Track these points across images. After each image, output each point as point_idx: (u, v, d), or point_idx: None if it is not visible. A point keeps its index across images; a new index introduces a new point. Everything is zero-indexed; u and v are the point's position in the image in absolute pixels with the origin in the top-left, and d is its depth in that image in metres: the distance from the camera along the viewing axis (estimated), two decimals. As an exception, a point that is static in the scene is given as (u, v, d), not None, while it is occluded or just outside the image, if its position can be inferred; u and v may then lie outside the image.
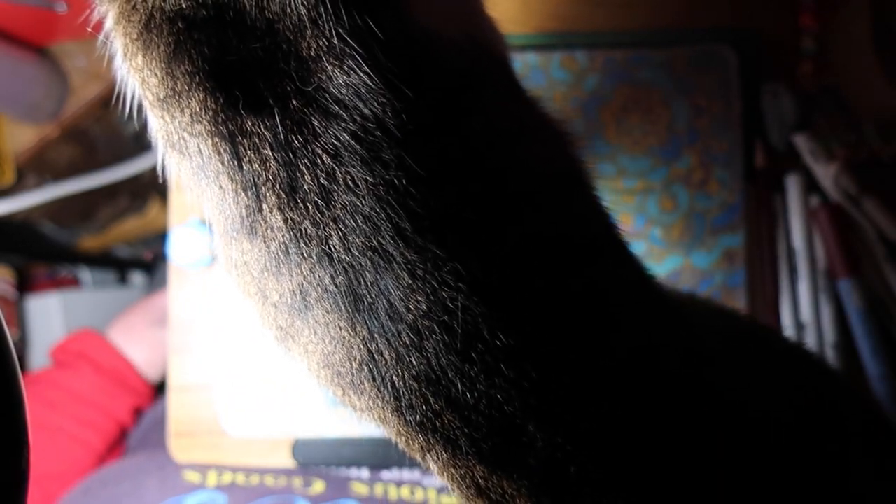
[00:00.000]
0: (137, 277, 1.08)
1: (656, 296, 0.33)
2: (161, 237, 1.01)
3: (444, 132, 0.27)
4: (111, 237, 1.03)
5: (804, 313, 0.56)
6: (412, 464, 0.58)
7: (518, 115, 0.31)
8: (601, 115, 0.58)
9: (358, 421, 0.31)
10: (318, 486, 0.58)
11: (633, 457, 0.28)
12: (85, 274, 1.03)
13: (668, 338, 0.31)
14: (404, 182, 0.26)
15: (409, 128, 0.26)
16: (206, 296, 0.61)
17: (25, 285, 0.95)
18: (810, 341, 0.56)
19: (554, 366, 0.27)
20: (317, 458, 0.58)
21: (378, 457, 0.57)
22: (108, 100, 0.78)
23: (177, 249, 0.58)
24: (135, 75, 0.29)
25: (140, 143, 0.87)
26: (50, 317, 0.91)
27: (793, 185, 0.57)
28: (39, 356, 0.91)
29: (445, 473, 0.29)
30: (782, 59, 0.58)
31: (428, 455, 0.29)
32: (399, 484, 0.58)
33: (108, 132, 0.84)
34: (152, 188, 0.97)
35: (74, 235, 1.00)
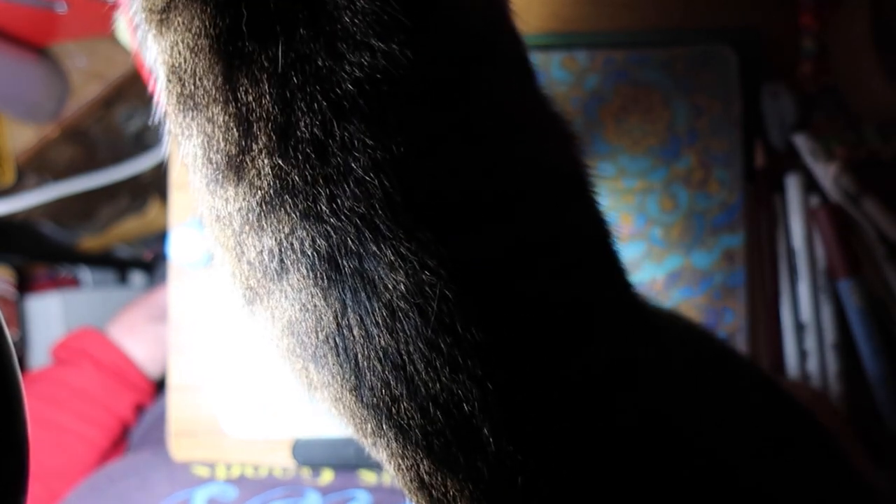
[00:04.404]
0: (137, 277, 1.08)
1: (637, 313, 0.32)
2: (161, 237, 1.02)
3: (449, 105, 0.25)
4: (111, 237, 1.03)
5: (804, 313, 0.56)
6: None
7: (526, 106, 0.29)
8: (601, 115, 0.58)
9: (308, 399, 0.29)
10: (328, 476, 0.58)
11: (588, 479, 0.27)
12: (85, 274, 1.03)
13: (642, 359, 0.30)
14: (402, 150, 0.24)
15: (418, 90, 0.24)
16: (205, 296, 0.61)
17: (25, 285, 0.95)
18: (810, 341, 0.56)
19: (521, 371, 0.26)
20: (317, 458, 0.58)
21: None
22: (108, 100, 0.78)
23: (177, 249, 0.58)
24: None
25: (140, 143, 0.87)
26: (50, 317, 0.91)
27: (793, 185, 0.57)
28: (39, 356, 0.91)
29: (392, 462, 0.28)
30: (782, 59, 0.58)
31: (377, 441, 0.28)
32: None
33: (108, 132, 0.84)
34: (152, 188, 0.97)
35: (74, 235, 1.00)
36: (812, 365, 0.56)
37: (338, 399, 0.27)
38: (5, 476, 0.24)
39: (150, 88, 0.29)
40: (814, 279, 0.56)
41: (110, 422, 0.70)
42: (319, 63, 0.23)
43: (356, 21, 0.23)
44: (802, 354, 0.56)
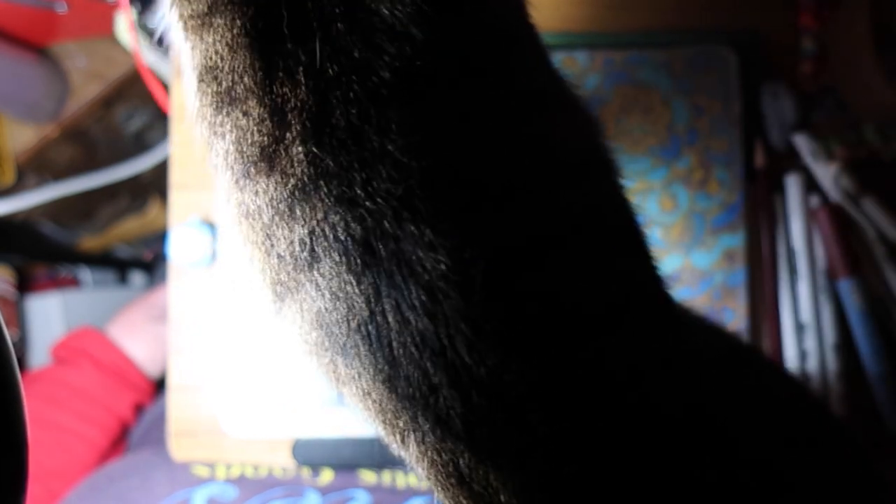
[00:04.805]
0: (137, 277, 1.08)
1: (668, 303, 0.31)
2: (161, 237, 1.02)
3: (483, 89, 0.25)
4: (111, 237, 1.03)
5: (804, 313, 0.56)
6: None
7: (553, 90, 0.29)
8: (601, 116, 0.58)
9: (336, 395, 0.29)
10: (327, 476, 0.58)
11: (639, 474, 0.26)
12: (85, 274, 1.03)
13: (682, 350, 0.30)
14: (440, 133, 0.24)
15: (453, 75, 0.24)
16: (206, 296, 0.61)
17: (25, 285, 0.95)
18: (810, 341, 0.56)
19: (573, 353, 0.25)
20: (317, 458, 0.58)
21: (378, 457, 0.58)
22: (108, 100, 0.78)
23: (177, 249, 0.58)
24: None
25: (140, 143, 0.87)
26: (50, 317, 0.91)
27: (793, 185, 0.57)
28: (39, 356, 0.91)
29: (426, 459, 0.27)
30: (782, 59, 0.58)
31: (411, 436, 0.26)
32: (407, 471, 0.58)
33: (108, 132, 0.84)
34: (152, 188, 0.97)
35: (74, 235, 1.00)
36: (812, 365, 0.56)
37: (367, 393, 0.26)
38: (5, 476, 0.24)
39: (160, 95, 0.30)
40: (814, 279, 0.56)
41: (110, 421, 0.70)
42: (356, 55, 0.24)
43: (395, 12, 0.24)
44: (802, 354, 0.56)
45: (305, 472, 0.58)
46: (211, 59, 0.26)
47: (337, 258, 0.24)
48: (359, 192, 0.24)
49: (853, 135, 0.57)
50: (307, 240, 0.25)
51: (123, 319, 0.75)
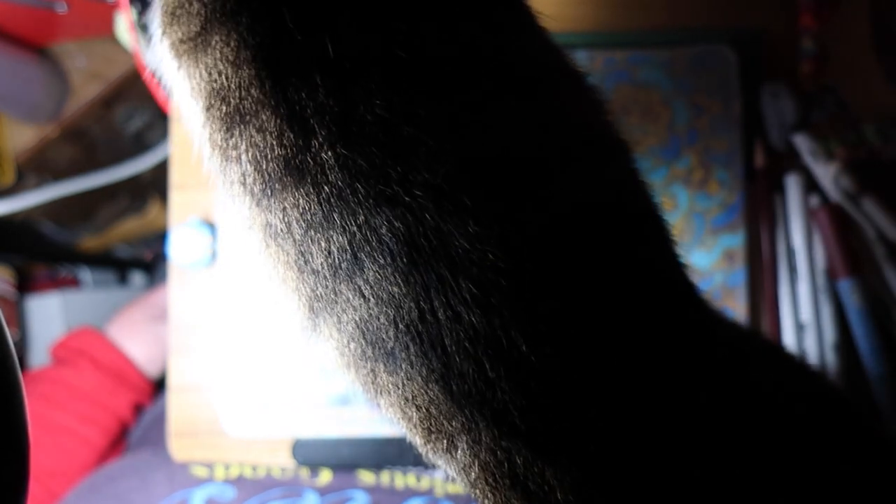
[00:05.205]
0: (137, 277, 1.08)
1: (687, 280, 0.31)
2: (161, 237, 1.02)
3: (504, 71, 0.25)
4: (111, 237, 1.03)
5: (804, 313, 0.56)
6: (410, 463, 0.57)
7: (565, 73, 0.28)
8: (601, 115, 0.58)
9: (375, 407, 0.27)
10: (326, 476, 0.58)
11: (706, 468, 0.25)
12: (85, 274, 1.03)
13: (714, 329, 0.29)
14: (470, 116, 0.23)
15: (469, 52, 0.24)
16: (206, 296, 0.61)
17: (25, 285, 0.95)
18: (810, 341, 0.56)
19: (635, 341, 0.24)
20: (317, 458, 0.58)
21: (378, 457, 0.58)
22: (108, 100, 0.78)
23: (177, 249, 0.58)
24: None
25: (140, 143, 0.87)
26: (50, 317, 0.91)
27: (793, 185, 0.57)
28: (39, 356, 0.91)
29: (477, 462, 0.25)
30: (782, 59, 0.58)
31: (462, 439, 0.25)
32: (405, 471, 0.58)
33: (108, 132, 0.84)
34: (152, 188, 0.97)
35: (74, 235, 1.00)
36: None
37: (410, 399, 0.25)
38: (6, 476, 0.24)
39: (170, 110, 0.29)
40: (814, 279, 0.56)
41: (108, 421, 0.70)
42: (374, 47, 0.23)
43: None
44: (802, 354, 0.56)
45: (304, 473, 0.58)
46: (215, 80, 0.25)
47: (382, 261, 0.24)
48: (397, 188, 0.23)
49: (853, 135, 0.57)
50: (348, 247, 0.24)
51: (123, 319, 0.75)
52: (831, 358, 0.56)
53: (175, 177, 0.61)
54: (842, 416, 0.36)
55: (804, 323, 0.56)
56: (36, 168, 0.81)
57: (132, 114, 0.84)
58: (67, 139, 0.80)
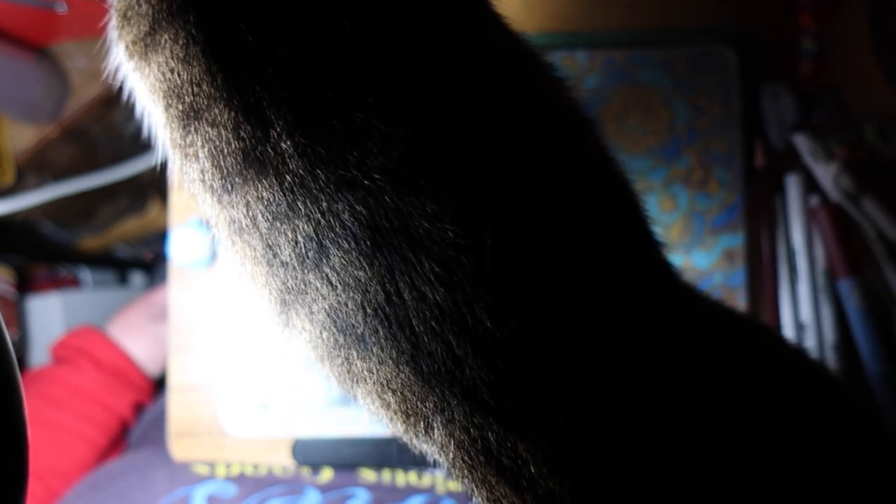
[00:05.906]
0: (137, 277, 1.08)
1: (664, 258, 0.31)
2: (161, 237, 1.02)
3: (439, 50, 0.25)
4: (111, 237, 1.03)
5: (804, 313, 0.56)
6: (410, 463, 0.57)
7: (502, 43, 0.28)
8: (601, 116, 0.58)
9: (340, 396, 0.28)
10: (327, 474, 0.58)
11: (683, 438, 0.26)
12: (85, 274, 1.03)
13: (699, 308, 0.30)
14: (420, 98, 0.24)
15: (413, 37, 0.24)
16: (206, 296, 0.61)
17: (25, 285, 0.95)
18: (810, 341, 0.56)
19: (595, 308, 0.25)
20: (316, 458, 0.58)
21: (378, 457, 0.58)
22: (108, 100, 0.78)
23: (177, 249, 0.58)
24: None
25: (140, 143, 0.87)
26: (50, 317, 0.91)
27: (793, 185, 0.57)
28: (39, 356, 0.91)
29: (453, 441, 0.26)
30: (782, 59, 0.58)
31: (437, 419, 0.25)
32: (407, 470, 0.59)
33: (108, 132, 0.84)
34: (152, 188, 0.97)
35: (74, 235, 1.00)
36: (812, 365, 0.56)
37: (389, 381, 0.25)
38: (6, 474, 0.24)
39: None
40: (814, 279, 0.56)
41: (109, 420, 0.70)
42: (313, 31, 0.23)
43: None
44: (802, 354, 0.56)
45: (305, 471, 0.59)
46: (168, 79, 0.25)
47: (346, 245, 0.24)
48: (355, 172, 0.23)
49: (853, 135, 0.57)
50: (314, 235, 0.24)
51: (123, 319, 0.75)
52: (831, 358, 0.56)
53: (175, 177, 0.61)
54: (822, 394, 0.36)
55: (804, 323, 0.56)
56: (36, 168, 0.81)
57: (132, 114, 0.84)
58: (67, 139, 0.80)
